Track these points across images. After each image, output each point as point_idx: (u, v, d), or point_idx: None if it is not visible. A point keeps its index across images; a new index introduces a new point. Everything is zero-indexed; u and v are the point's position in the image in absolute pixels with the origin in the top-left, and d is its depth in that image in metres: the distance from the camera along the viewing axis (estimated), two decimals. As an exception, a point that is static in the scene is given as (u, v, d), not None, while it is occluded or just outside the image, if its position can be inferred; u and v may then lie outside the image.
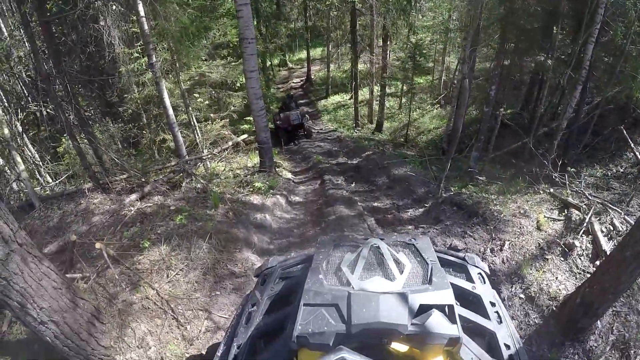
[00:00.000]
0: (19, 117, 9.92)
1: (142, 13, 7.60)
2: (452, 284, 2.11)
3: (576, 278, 5.28)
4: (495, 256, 6.01)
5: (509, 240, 6.15)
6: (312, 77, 26.86)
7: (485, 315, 2.24)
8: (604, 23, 9.43)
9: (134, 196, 7.78)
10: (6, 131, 7.41)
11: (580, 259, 5.55)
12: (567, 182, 7.54)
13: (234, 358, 2.17)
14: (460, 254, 2.84)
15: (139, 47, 11.07)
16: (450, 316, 1.81)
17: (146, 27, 7.76)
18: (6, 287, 3.31)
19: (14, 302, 3.39)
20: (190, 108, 12.11)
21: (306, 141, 17.15)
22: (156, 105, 13.30)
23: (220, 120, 13.49)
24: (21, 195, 8.24)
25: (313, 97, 24.75)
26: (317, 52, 29.90)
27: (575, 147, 11.40)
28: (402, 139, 16.83)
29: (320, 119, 21.60)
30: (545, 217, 6.49)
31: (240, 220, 7.81)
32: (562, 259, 5.62)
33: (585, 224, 5.86)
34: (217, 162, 11.45)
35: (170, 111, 8.79)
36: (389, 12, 15.90)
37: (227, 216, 7.53)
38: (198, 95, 13.22)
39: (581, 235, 5.75)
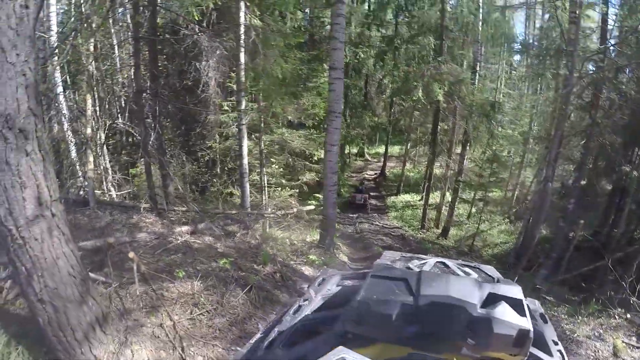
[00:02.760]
0: (105, 129, 10.37)
1: (242, 60, 7.92)
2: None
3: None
4: (568, 383, 5.00)
5: (583, 365, 5.17)
6: (387, 172, 26.83)
7: (548, 352, 2.02)
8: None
9: (185, 228, 7.56)
10: (88, 130, 7.64)
11: (661, 394, 4.55)
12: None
13: (270, 341, 2.09)
14: None
15: (231, 102, 11.59)
16: (520, 310, 1.67)
17: (243, 74, 8.04)
18: (21, 247, 3.04)
19: (22, 267, 3.10)
20: (264, 169, 12.21)
21: (369, 232, 16.67)
22: (232, 159, 13.60)
23: (290, 189, 13.46)
24: (81, 192, 8.34)
25: (384, 192, 24.49)
26: (395, 149, 30.05)
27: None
28: (467, 248, 15.81)
29: (387, 214, 21.08)
30: (623, 342, 5.51)
31: (286, 284, 7.21)
32: (641, 392, 4.62)
33: (667, 356, 4.89)
34: (277, 229, 11.24)
35: (245, 160, 8.86)
36: (471, 116, 15.71)
37: (273, 277, 7.01)
38: (275, 161, 13.37)
39: (663, 367, 4.80)
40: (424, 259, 2.43)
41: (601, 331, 6.05)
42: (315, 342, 2.00)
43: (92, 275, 4.72)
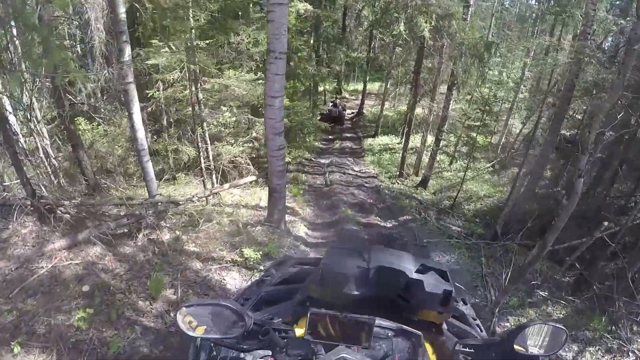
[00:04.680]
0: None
1: None
2: None
3: None
4: None
5: None
6: (365, 111, 24.14)
7: (468, 324, 2.33)
8: None
9: (58, 244, 5.17)
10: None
11: None
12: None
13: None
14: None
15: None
16: (445, 277, 2.00)
17: (122, 10, 5.14)
18: None
19: None
20: (204, 123, 9.51)
21: (340, 183, 14.43)
22: (179, 109, 10.94)
23: (242, 145, 10.85)
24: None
25: (361, 134, 21.94)
26: (374, 86, 27.02)
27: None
28: (448, 206, 13.58)
29: (363, 158, 18.62)
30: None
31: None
32: None
33: None
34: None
35: (141, 133, 6.09)
36: (462, 57, 12.85)
37: (163, 319, 4.67)
38: (226, 109, 10.58)
39: None
40: None
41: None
42: (277, 308, 2.17)
43: None
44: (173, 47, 7.77)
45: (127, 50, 5.62)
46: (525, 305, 7.25)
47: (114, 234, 5.68)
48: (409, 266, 1.99)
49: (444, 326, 2.01)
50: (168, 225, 6.47)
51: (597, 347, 5.91)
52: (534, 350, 1.48)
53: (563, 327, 1.50)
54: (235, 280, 5.76)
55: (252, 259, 6.32)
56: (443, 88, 16.30)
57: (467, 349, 1.65)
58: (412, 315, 1.93)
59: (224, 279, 5.71)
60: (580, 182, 5.21)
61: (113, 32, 6.07)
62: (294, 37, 12.13)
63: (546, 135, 9.80)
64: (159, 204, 6.43)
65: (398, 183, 15.78)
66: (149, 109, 10.70)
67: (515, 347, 1.47)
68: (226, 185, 9.23)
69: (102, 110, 11.89)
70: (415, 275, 1.95)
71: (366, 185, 14.99)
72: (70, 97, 9.44)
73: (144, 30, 8.16)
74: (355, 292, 1.92)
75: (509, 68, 16.73)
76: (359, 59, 22.81)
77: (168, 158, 12.14)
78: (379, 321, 1.72)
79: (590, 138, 5.26)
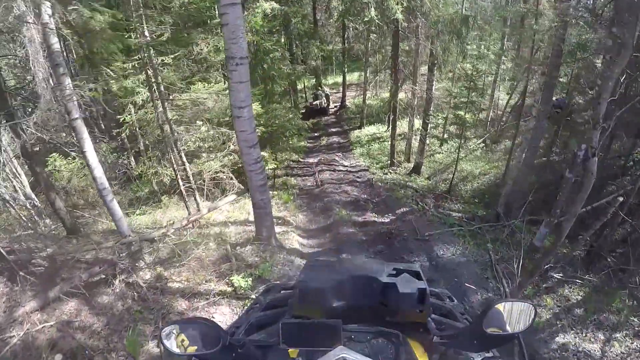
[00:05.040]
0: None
1: (46, 18, 4.42)
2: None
3: None
4: None
5: None
6: (347, 103, 23.51)
7: (456, 320, 2.30)
8: None
9: (29, 306, 4.65)
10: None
11: None
12: None
13: (230, 334, 2.13)
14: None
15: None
16: (418, 277, 2.01)
17: (54, 40, 4.59)
18: None
19: None
20: (178, 142, 8.96)
21: (331, 183, 14.00)
22: (155, 128, 10.41)
23: (222, 158, 10.30)
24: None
25: (346, 127, 21.36)
26: (353, 77, 26.46)
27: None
28: (445, 190, 13.13)
29: (352, 152, 18.13)
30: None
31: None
32: None
33: None
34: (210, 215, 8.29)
35: (98, 171, 5.52)
36: (438, 36, 12.33)
37: None
38: (201, 123, 10.02)
39: None
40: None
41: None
42: (267, 331, 2.12)
43: None
44: (111, 72, 7.25)
45: (67, 82, 5.07)
46: (541, 292, 6.80)
47: (89, 283, 5.17)
48: (380, 272, 2.03)
49: (432, 325, 2.00)
50: (146, 264, 5.94)
51: (624, 332, 5.48)
52: (508, 329, 1.48)
53: (529, 302, 1.50)
54: (225, 317, 5.26)
55: (242, 287, 5.81)
56: (424, 69, 15.68)
57: (445, 340, 1.72)
58: (395, 317, 1.95)
59: (213, 317, 5.21)
60: (594, 161, 4.71)
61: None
62: (263, 38, 11.60)
63: (538, 105, 9.33)
64: (132, 244, 5.89)
65: (390, 172, 15.30)
66: (123, 134, 10.20)
67: (490, 329, 1.47)
68: (204, 210, 8.68)
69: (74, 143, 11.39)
70: (387, 280, 1.97)
71: (358, 180, 14.54)
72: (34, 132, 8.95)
73: (77, 59, 7.64)
74: (336, 304, 1.95)
75: (488, 40, 16.24)
76: (335, 51, 22.23)
77: (151, 182, 11.70)
78: (357, 326, 1.82)
79: (599, 110, 4.72)
